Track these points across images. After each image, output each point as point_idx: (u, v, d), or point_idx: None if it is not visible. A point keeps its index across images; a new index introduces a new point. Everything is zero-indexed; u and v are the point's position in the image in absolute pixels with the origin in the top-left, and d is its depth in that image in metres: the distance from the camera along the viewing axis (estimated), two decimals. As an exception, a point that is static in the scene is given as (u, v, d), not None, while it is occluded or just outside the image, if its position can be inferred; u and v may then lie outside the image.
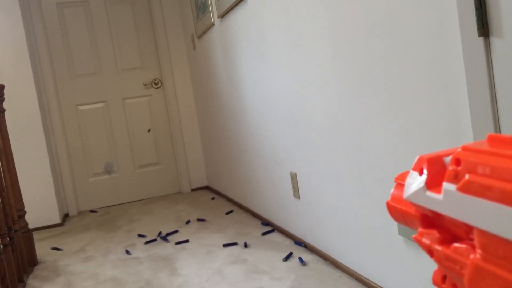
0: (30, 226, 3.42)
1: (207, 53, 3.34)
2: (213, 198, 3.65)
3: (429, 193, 0.31)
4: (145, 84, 4.00)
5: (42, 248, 2.90)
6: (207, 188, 4.12)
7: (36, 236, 3.26)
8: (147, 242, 2.66)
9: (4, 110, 2.51)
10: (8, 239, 2.17)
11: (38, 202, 3.43)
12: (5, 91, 3.34)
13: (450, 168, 0.29)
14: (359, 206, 1.66)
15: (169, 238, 2.69)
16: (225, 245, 2.40)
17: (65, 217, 3.72)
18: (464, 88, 1.07)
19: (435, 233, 0.31)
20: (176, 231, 2.80)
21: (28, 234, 2.53)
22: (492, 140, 0.29)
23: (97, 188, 3.93)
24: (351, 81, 1.57)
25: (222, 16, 2.80)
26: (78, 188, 3.89)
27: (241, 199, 3.15)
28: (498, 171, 0.26)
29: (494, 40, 0.95)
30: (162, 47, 3.96)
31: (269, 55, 2.23)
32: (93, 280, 2.19)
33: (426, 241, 0.32)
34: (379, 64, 1.39)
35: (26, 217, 3.39)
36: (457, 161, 0.29)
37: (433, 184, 0.31)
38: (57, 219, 3.47)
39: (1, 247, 2.04)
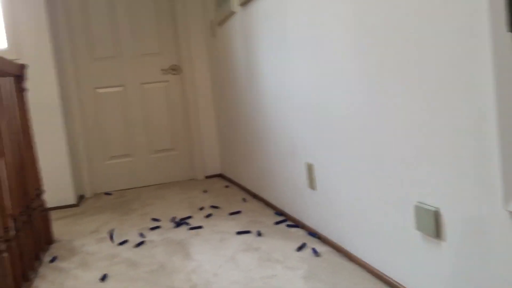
0: (47, 206, 3.47)
1: (226, 41, 3.34)
2: (227, 186, 3.67)
3: None
4: (163, 70, 4.02)
5: (58, 228, 2.95)
6: (220, 176, 4.14)
7: (52, 215, 3.31)
8: (152, 228, 2.68)
9: (26, 89, 2.54)
10: (26, 216, 2.21)
11: (55, 182, 3.48)
12: (26, 70, 3.38)
13: None
14: (376, 200, 1.65)
15: (181, 222, 2.71)
16: (238, 233, 2.41)
17: (81, 198, 3.77)
18: (491, 86, 1.06)
19: None
20: (189, 217, 2.82)
21: (45, 212, 2.57)
22: None
23: (112, 171, 3.97)
24: (373, 74, 1.56)
25: (244, 4, 2.79)
26: (94, 170, 3.93)
27: (255, 188, 3.16)
28: None
29: (527, 37, 0.93)
30: (181, 33, 3.97)
31: (290, 45, 2.22)
32: (107, 260, 2.22)
33: None
34: (403, 58, 1.38)
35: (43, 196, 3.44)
36: None
37: None
38: (72, 200, 3.52)
39: (20, 224, 2.08)
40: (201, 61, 4.04)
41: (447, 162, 1.26)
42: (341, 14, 1.72)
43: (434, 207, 1.34)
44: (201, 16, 4.00)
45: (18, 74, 2.48)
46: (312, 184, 2.19)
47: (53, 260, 2.29)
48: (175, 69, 4.03)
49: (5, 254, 1.71)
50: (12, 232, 1.87)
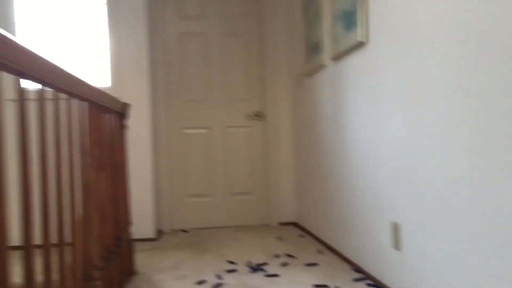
0: (128, 237, 3.63)
1: (314, 92, 3.41)
2: (301, 235, 3.64)
3: None
4: (247, 115, 4.15)
5: (137, 260, 3.06)
6: (294, 224, 4.12)
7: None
8: (229, 271, 2.71)
9: (127, 127, 2.73)
10: (116, 247, 2.33)
11: (138, 215, 3.64)
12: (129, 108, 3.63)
13: None
14: (473, 272, 1.58)
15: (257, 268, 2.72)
16: (315, 286, 2.38)
17: (159, 233, 3.90)
18: None
19: None
20: (265, 263, 2.83)
21: (131, 244, 2.69)
22: None
23: (191, 209, 4.09)
24: (476, 139, 1.52)
25: (336, 58, 2.86)
26: (174, 206, 4.08)
27: (331, 240, 3.12)
28: None
29: None
30: (268, 81, 4.10)
31: (382, 102, 2.23)
32: (186, 299, 2.27)
33: None
34: (503, 125, 1.35)
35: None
36: None
37: None
38: (151, 234, 3.66)
39: (112, 253, 2.19)
40: (285, 110, 4.13)
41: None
42: (443, 72, 1.72)
43: (541, 286, 1.26)
44: (289, 66, 4.12)
45: (121, 111, 2.68)
46: (397, 244, 2.13)
47: (134, 292, 2.38)
48: (259, 115, 4.16)
49: (98, 282, 1.81)
50: (105, 261, 1.97)
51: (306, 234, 3.70)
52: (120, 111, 2.68)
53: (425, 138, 1.86)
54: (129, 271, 2.67)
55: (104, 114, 2.26)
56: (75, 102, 1.77)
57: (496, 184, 1.44)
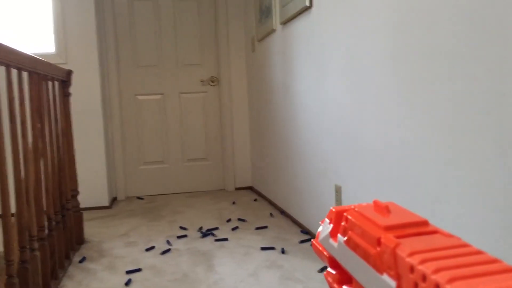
0: (80, 206, 3.59)
1: (265, 57, 3.39)
2: (255, 200, 3.69)
3: (331, 241, 0.37)
4: (202, 81, 4.10)
5: (89, 228, 3.05)
6: (250, 188, 4.17)
7: (84, 216, 3.42)
8: (179, 237, 2.74)
9: (69, 94, 2.65)
10: (60, 216, 2.30)
11: (90, 184, 3.60)
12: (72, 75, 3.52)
13: (342, 223, 0.36)
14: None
15: (208, 233, 2.76)
16: (262, 248, 2.43)
17: (113, 200, 3.88)
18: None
19: (336, 274, 0.37)
20: (216, 228, 2.86)
21: (78, 213, 2.67)
22: (375, 205, 0.36)
23: (146, 176, 4.07)
24: (408, 103, 1.56)
25: (285, 22, 2.84)
26: (128, 174, 4.04)
27: (283, 204, 3.17)
28: (364, 233, 0.32)
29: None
30: (222, 46, 4.05)
31: (327, 67, 2.24)
32: (134, 265, 2.28)
33: (329, 279, 0.38)
34: (437, 92, 1.38)
35: (78, 197, 3.56)
36: (346, 219, 0.35)
37: (335, 234, 0.37)
38: (105, 202, 3.63)
39: (54, 223, 2.16)
40: (239, 75, 4.10)
41: (474, 200, 1.25)
42: (381, 42, 1.73)
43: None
44: (243, 30, 4.07)
45: (64, 79, 2.60)
46: (339, 205, 2.19)
47: (82, 260, 2.37)
48: (213, 81, 4.12)
49: (37, 253, 1.79)
50: (45, 231, 1.95)
51: (261, 198, 3.75)
52: (63, 79, 2.60)
53: (365, 104, 1.89)
54: (78, 240, 2.66)
55: (44, 82, 2.19)
56: (13, 72, 1.70)
57: (425, 146, 1.48)
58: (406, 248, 0.29)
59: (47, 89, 2.26)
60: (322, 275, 2.03)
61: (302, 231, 2.72)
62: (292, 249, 2.42)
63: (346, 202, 2.11)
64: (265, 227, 2.86)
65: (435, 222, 1.43)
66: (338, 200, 2.19)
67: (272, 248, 2.43)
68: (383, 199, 1.76)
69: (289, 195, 3.02)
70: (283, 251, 2.37)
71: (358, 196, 1.99)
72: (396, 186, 1.67)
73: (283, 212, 3.17)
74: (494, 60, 1.14)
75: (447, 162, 1.36)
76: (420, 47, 1.46)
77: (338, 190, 2.19)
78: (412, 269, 0.28)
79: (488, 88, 1.17)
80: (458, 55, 1.28)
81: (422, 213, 1.50)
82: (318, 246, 0.41)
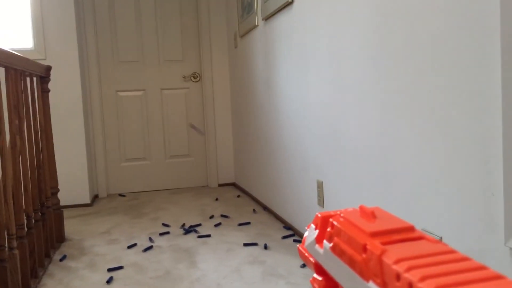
0: (61, 204, 3.55)
1: (247, 53, 3.38)
2: (238, 196, 3.69)
3: (317, 247, 0.37)
4: (184, 77, 4.08)
5: (70, 226, 3.01)
6: (234, 185, 4.17)
7: (65, 213, 3.38)
8: (162, 234, 2.72)
9: (48, 90, 2.61)
10: (40, 214, 2.27)
11: (71, 181, 3.55)
12: (50, 71, 3.47)
13: (328, 229, 0.35)
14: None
15: (191, 230, 2.74)
16: (245, 244, 2.43)
17: (95, 198, 3.84)
18: (499, 119, 1.06)
19: (322, 280, 0.37)
20: (199, 225, 2.85)
21: (58, 211, 2.63)
22: (361, 210, 0.35)
23: (128, 173, 4.03)
24: (387, 101, 1.57)
25: (267, 18, 2.83)
26: (110, 171, 4.00)
27: (266, 200, 3.18)
28: (350, 240, 0.32)
29: (535, 77, 0.94)
30: (204, 42, 4.03)
31: (309, 63, 2.25)
32: (115, 263, 2.26)
33: (315, 285, 0.38)
34: (416, 86, 1.39)
35: (58, 194, 3.51)
36: (332, 225, 0.35)
37: (320, 240, 0.37)
38: (87, 199, 3.59)
39: (33, 221, 2.13)
40: (222, 71, 4.09)
41: (452, 194, 1.26)
42: (360, 38, 1.74)
43: (438, 236, 1.34)
44: (225, 26, 4.05)
45: (42, 75, 2.56)
46: (320, 201, 2.20)
47: (62, 259, 2.34)
48: (196, 77, 4.09)
49: (16, 251, 1.76)
50: (25, 230, 1.92)
51: (244, 194, 3.75)
52: (41, 75, 2.56)
53: (346, 99, 1.89)
54: (58, 238, 2.62)
55: (22, 78, 2.15)
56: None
57: (404, 143, 1.50)
58: (392, 255, 0.29)
59: (25, 85, 2.23)
60: (304, 270, 2.04)
61: (284, 227, 2.72)
62: (275, 244, 2.43)
63: (328, 198, 2.13)
64: (248, 223, 2.86)
65: (413, 217, 1.45)
66: (320, 196, 2.20)
67: (255, 244, 2.43)
68: (363, 194, 1.78)
69: (272, 191, 3.02)
70: (265, 247, 2.37)
71: (339, 192, 2.00)
72: (375, 182, 1.68)
73: (266, 208, 3.17)
74: (474, 60, 1.16)
75: (425, 159, 1.37)
76: (400, 43, 1.48)
77: (320, 186, 2.20)
78: (398, 277, 0.27)
79: (467, 87, 1.18)
80: (438, 52, 1.29)
81: (400, 209, 1.52)
82: (304, 252, 0.40)
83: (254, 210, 3.19)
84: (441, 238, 1.33)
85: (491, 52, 1.08)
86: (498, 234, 1.10)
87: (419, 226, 1.43)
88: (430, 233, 1.37)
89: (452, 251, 0.30)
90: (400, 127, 1.50)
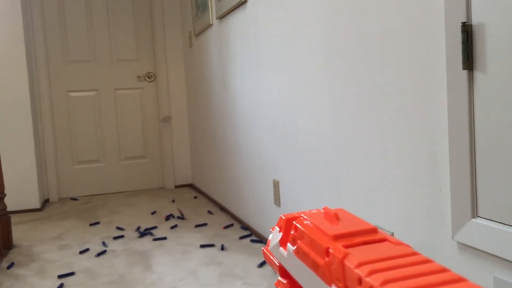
0: (9, 209, 3.40)
1: (203, 53, 3.35)
2: (195, 197, 3.65)
3: (281, 250, 0.36)
4: (138, 77, 4.00)
5: (18, 232, 2.89)
6: (190, 186, 4.12)
7: (13, 219, 3.24)
8: (116, 237, 2.66)
9: (-7, 91, 2.49)
10: (-16, 221, 2.16)
11: (20, 185, 3.41)
12: (-4, 71, 3.31)
13: (292, 232, 0.35)
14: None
15: (147, 233, 2.69)
16: (202, 246, 2.40)
17: (45, 202, 3.70)
18: (445, 116, 1.09)
19: (286, 283, 0.37)
20: (155, 227, 2.80)
21: (6, 217, 2.52)
22: (325, 212, 0.35)
23: (80, 176, 3.91)
24: (339, 98, 1.59)
25: (221, 17, 2.81)
26: (61, 174, 3.87)
27: (223, 200, 3.16)
28: (313, 243, 0.32)
29: (478, 74, 0.97)
30: (158, 41, 3.96)
31: (263, 63, 2.25)
32: (66, 269, 2.18)
33: None
34: (366, 85, 1.41)
35: (6, 199, 3.36)
36: (295, 227, 0.35)
37: (284, 242, 0.36)
38: (36, 204, 3.45)
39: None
40: (177, 70, 4.03)
41: (402, 191, 1.29)
42: (312, 37, 1.75)
43: (390, 231, 1.36)
44: (179, 25, 4.00)
45: (-15, 74, 2.43)
46: (277, 200, 2.20)
47: (10, 266, 2.24)
48: (150, 77, 4.02)
49: (-42, 260, 1.67)
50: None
51: (201, 195, 3.71)
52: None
53: (300, 99, 1.90)
54: (5, 245, 2.51)
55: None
56: None
57: (357, 140, 1.51)
58: (354, 258, 0.29)
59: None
60: (262, 270, 2.04)
61: (242, 227, 2.71)
62: (232, 245, 2.41)
63: (284, 196, 2.13)
64: (205, 224, 2.83)
65: (365, 214, 1.47)
66: (276, 195, 2.20)
67: (212, 245, 2.41)
68: (318, 193, 1.79)
69: (228, 191, 3.00)
70: (222, 248, 2.35)
71: (295, 190, 2.01)
72: (329, 180, 1.69)
73: (223, 209, 3.15)
74: (420, 56, 1.18)
75: (375, 156, 1.39)
76: (351, 41, 1.49)
77: (276, 185, 2.20)
78: (360, 281, 0.27)
79: (417, 84, 1.20)
80: (388, 50, 1.31)
81: (354, 204, 1.54)
82: (268, 254, 0.40)
83: (209, 211, 3.16)
84: (392, 233, 1.35)
85: (436, 49, 1.11)
86: (446, 228, 1.13)
87: (372, 223, 1.45)
88: (383, 229, 1.39)
89: (414, 253, 0.30)
90: (351, 124, 1.52)
